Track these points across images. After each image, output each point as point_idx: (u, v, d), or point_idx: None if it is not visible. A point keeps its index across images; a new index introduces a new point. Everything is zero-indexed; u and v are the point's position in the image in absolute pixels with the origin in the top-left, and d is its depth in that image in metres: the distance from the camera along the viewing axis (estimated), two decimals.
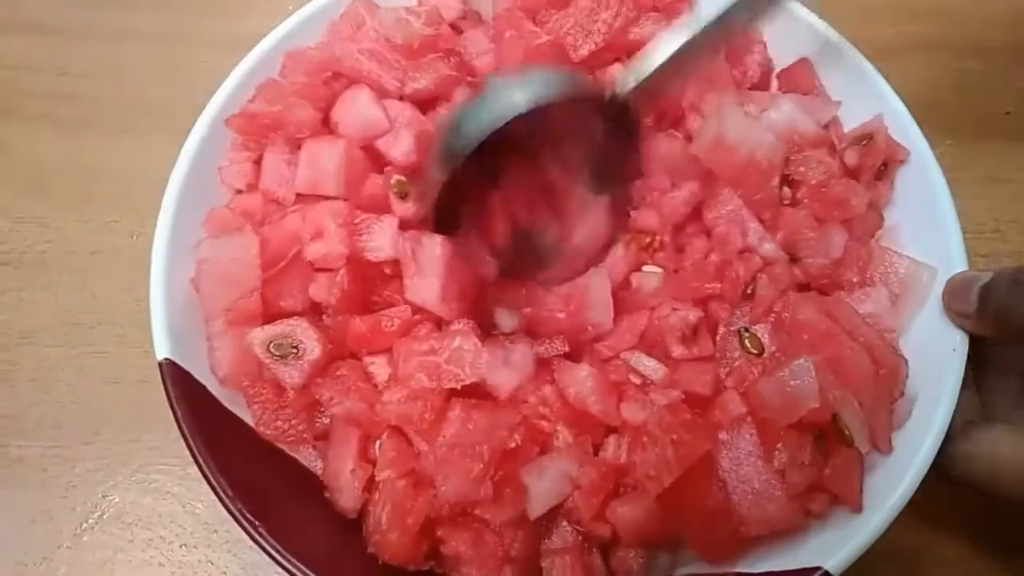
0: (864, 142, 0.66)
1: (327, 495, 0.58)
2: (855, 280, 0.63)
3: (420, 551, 0.56)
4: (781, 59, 0.73)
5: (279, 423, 0.60)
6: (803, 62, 0.71)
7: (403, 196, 0.64)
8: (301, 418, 0.60)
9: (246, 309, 0.60)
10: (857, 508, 0.55)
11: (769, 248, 0.64)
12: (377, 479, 0.57)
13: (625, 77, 0.54)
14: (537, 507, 0.56)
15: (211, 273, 0.60)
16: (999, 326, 0.57)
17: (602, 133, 0.55)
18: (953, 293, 0.60)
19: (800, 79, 0.71)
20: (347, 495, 0.57)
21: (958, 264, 0.61)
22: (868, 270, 0.63)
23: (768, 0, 0.58)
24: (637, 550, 0.57)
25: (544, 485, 0.56)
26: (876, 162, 0.66)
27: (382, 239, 0.62)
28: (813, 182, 0.66)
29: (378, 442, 0.58)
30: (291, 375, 0.58)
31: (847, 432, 0.56)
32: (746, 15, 0.57)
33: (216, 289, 0.60)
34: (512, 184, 0.55)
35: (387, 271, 0.62)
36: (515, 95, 0.50)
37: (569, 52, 0.68)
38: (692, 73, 0.58)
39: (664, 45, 0.55)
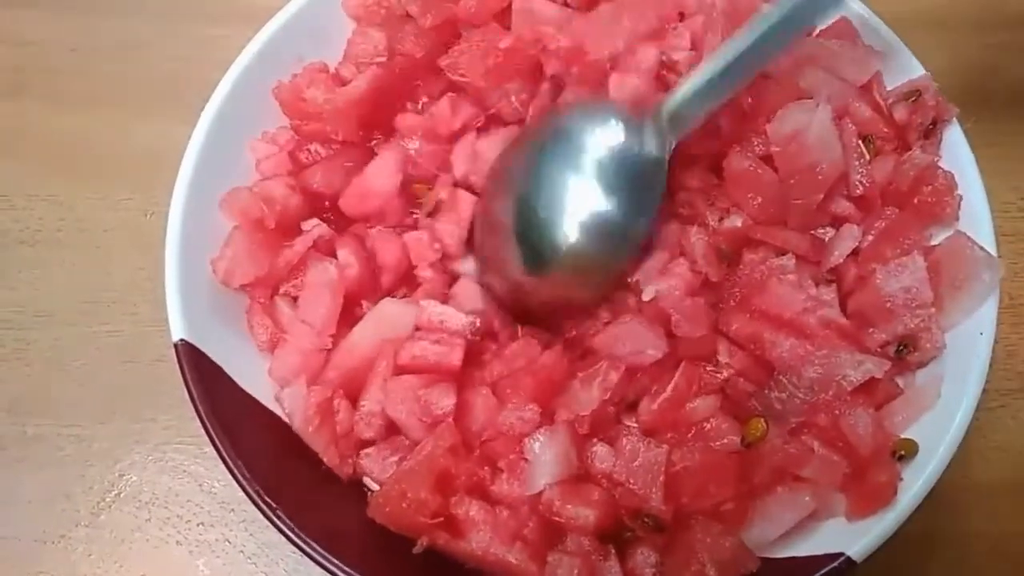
0: (913, 98, 0.65)
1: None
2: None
3: (428, 509, 0.55)
4: None
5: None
6: (843, 21, 0.68)
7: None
8: None
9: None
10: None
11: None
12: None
13: (664, 103, 0.61)
14: (538, 479, 0.55)
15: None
16: None
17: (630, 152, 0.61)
18: None
19: (842, 38, 0.68)
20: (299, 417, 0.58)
21: (984, 237, 0.61)
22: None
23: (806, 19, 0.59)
24: (652, 553, 0.56)
25: (546, 458, 0.55)
26: (925, 120, 0.64)
27: None
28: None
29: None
30: None
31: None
32: (783, 36, 0.59)
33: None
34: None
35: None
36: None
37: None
38: (734, 94, 0.60)
39: (703, 70, 0.59)
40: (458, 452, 0.57)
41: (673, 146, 0.61)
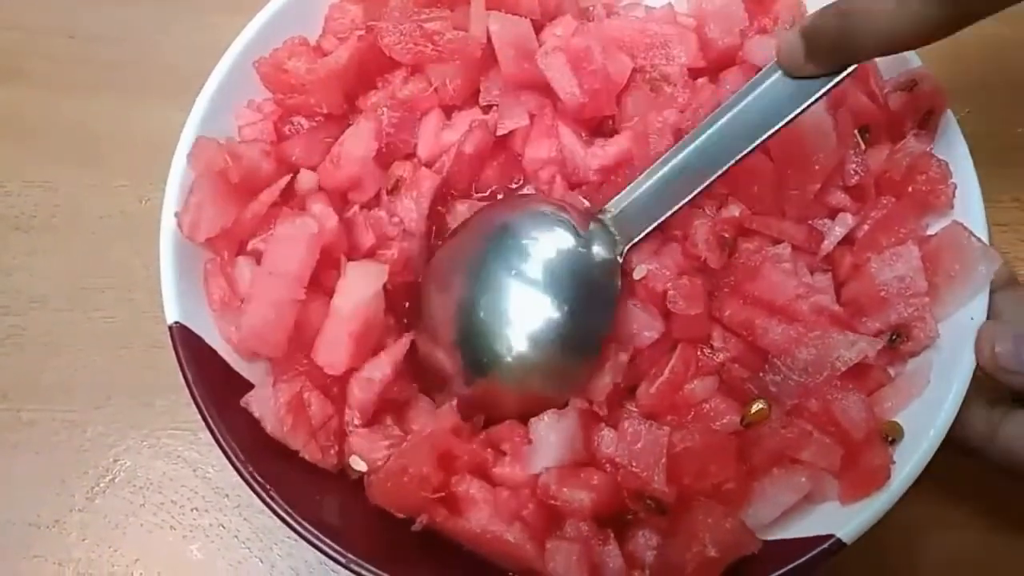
0: (909, 88, 0.65)
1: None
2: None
3: (430, 484, 0.54)
4: None
5: None
6: None
7: None
8: None
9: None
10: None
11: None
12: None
13: (610, 203, 0.61)
14: (539, 460, 0.55)
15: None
16: None
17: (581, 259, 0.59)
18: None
19: None
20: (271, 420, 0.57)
21: (977, 226, 0.60)
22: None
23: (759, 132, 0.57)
24: (653, 535, 0.56)
25: (551, 439, 0.56)
26: (921, 109, 0.64)
27: None
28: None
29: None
30: None
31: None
32: (738, 144, 0.57)
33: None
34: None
35: None
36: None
37: None
38: (694, 196, 0.59)
39: (653, 171, 0.60)
40: (460, 433, 0.57)
41: (624, 251, 0.60)
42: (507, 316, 0.58)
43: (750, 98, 0.57)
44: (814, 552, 0.52)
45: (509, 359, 0.58)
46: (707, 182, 0.58)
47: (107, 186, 0.81)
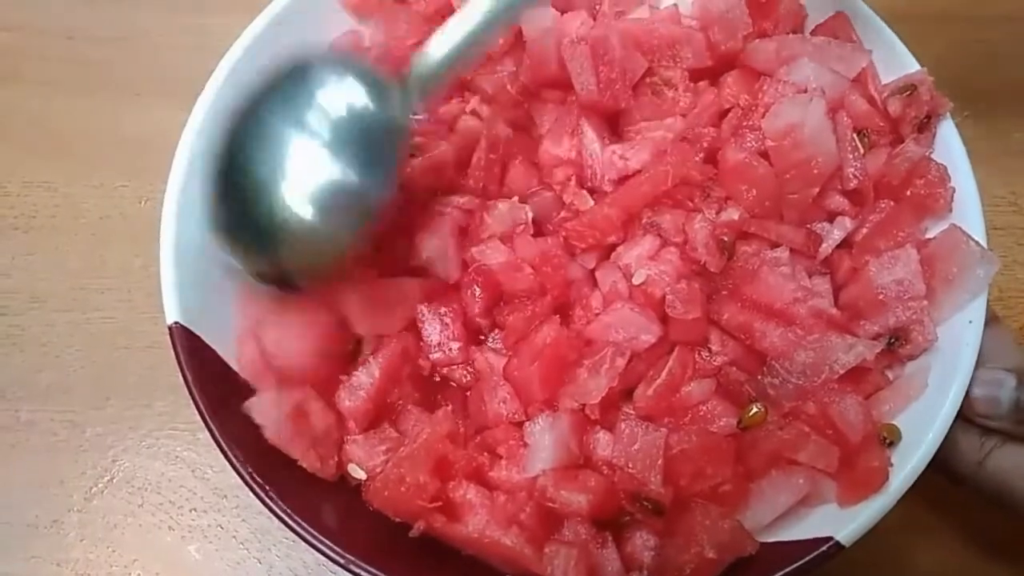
0: (907, 92, 0.65)
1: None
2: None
3: (426, 492, 0.55)
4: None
5: None
6: (839, 16, 0.68)
7: None
8: None
9: None
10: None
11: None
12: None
13: (415, 67, 0.56)
14: (536, 463, 0.55)
15: None
16: None
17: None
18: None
19: (838, 34, 0.69)
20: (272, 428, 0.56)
21: (975, 230, 0.60)
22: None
23: None
24: (651, 536, 0.56)
25: (545, 442, 0.56)
26: (919, 114, 0.64)
27: None
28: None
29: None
30: None
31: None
32: None
33: None
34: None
35: None
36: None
37: None
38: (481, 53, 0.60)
39: (453, 32, 0.56)
40: (456, 439, 0.58)
41: (416, 111, 0.57)
42: (285, 176, 0.53)
43: None
44: (813, 554, 0.52)
45: (278, 218, 0.53)
46: (493, 36, 0.59)
47: (107, 187, 0.81)
